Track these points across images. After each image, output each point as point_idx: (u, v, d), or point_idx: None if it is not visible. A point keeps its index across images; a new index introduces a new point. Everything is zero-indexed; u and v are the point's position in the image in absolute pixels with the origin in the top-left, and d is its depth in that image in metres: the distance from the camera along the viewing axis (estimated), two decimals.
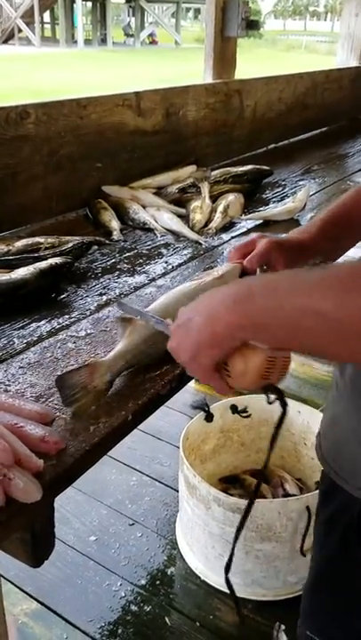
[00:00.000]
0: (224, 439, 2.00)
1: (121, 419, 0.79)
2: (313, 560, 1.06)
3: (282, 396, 0.71)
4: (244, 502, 1.58)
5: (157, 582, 1.80)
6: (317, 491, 1.62)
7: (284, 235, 1.13)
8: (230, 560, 0.89)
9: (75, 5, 24.42)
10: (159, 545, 1.93)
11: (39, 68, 15.19)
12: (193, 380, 2.51)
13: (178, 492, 1.89)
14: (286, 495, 1.81)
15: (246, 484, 1.93)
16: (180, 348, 0.71)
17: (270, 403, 0.71)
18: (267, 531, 1.59)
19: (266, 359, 0.67)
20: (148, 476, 2.17)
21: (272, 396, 0.71)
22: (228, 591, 1.59)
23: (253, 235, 1.06)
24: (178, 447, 1.79)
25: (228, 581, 0.92)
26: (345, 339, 0.57)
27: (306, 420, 1.93)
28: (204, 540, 1.73)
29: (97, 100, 1.67)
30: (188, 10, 31.91)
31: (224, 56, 2.15)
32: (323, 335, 0.58)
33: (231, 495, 1.80)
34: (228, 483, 1.97)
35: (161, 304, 1.00)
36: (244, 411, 1.92)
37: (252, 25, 2.11)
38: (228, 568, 0.90)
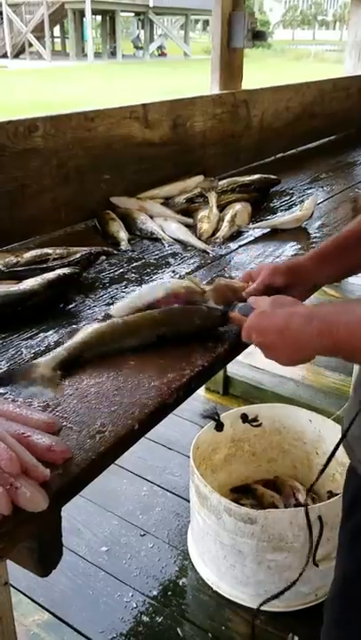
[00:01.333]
0: (235, 449, 2.00)
1: (127, 428, 0.79)
2: (338, 568, 1.05)
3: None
4: (255, 513, 1.57)
5: (169, 593, 1.80)
6: (330, 500, 1.62)
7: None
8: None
9: (84, 19, 24.79)
10: (171, 555, 1.92)
11: (49, 82, 15.40)
12: (203, 389, 2.50)
13: (189, 502, 1.88)
14: (298, 505, 1.79)
15: (258, 493, 1.92)
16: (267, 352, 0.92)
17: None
18: (278, 541, 1.58)
19: None
20: (158, 486, 2.17)
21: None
22: (240, 602, 1.58)
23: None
24: (189, 457, 1.79)
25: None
26: None
27: (318, 429, 1.92)
28: (215, 551, 1.72)
29: (104, 112, 1.68)
30: (196, 22, 32.23)
31: (231, 67, 2.16)
32: None
33: (243, 505, 1.80)
34: (240, 493, 1.96)
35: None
36: (255, 420, 1.91)
37: (258, 36, 2.13)
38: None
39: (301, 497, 1.83)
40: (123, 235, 1.61)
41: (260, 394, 2.72)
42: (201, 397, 2.67)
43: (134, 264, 1.46)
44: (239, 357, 1.19)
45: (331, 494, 1.77)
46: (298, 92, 2.60)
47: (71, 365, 0.94)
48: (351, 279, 3.09)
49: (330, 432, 1.86)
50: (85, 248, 1.42)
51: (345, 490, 1.03)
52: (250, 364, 2.87)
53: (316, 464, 1.95)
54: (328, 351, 0.83)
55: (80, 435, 0.77)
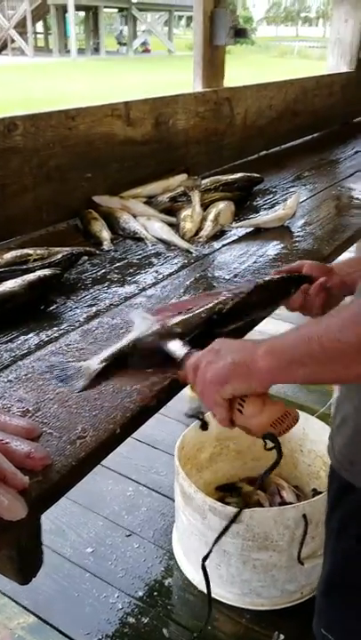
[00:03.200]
0: (220, 447, 2.00)
1: (109, 432, 0.78)
2: (325, 561, 1.06)
3: (279, 446, 0.79)
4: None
5: (155, 593, 1.79)
6: (314, 498, 1.62)
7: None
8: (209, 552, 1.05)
9: (67, 15, 24.57)
10: (156, 556, 1.91)
11: (32, 78, 15.25)
12: (188, 388, 2.50)
13: (174, 501, 1.88)
14: (283, 503, 1.80)
15: (243, 491, 1.93)
16: (206, 369, 0.80)
17: (267, 449, 0.79)
18: (263, 540, 1.58)
19: (283, 413, 0.77)
20: (144, 485, 2.16)
21: (270, 444, 0.78)
22: (226, 601, 1.60)
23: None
24: (174, 456, 1.78)
25: (204, 569, 1.07)
26: None
27: (302, 427, 1.93)
28: (200, 551, 1.71)
29: (85, 110, 1.67)
30: (180, 18, 32.13)
31: (213, 64, 2.15)
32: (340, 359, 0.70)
33: (228, 504, 1.80)
34: (225, 491, 1.96)
35: None
36: None
37: (240, 33, 2.12)
38: (205, 558, 1.04)
39: (286, 494, 1.83)
40: (105, 234, 1.60)
41: None
42: (186, 396, 2.66)
43: (117, 264, 1.45)
44: None
45: (315, 492, 1.77)
46: (281, 90, 2.60)
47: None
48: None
49: (314, 430, 1.87)
50: (67, 248, 1.40)
51: (329, 485, 1.04)
52: None
53: (301, 462, 1.96)
54: (301, 365, 0.74)
55: (60, 440, 0.76)
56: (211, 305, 1.03)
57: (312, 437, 1.88)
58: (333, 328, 0.70)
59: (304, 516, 1.55)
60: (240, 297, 1.05)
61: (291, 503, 1.76)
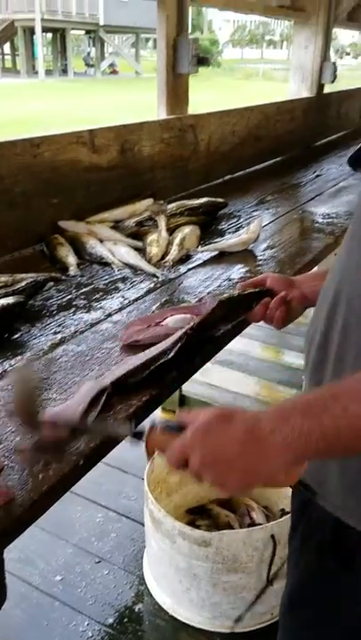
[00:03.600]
0: None
1: (72, 464, 0.78)
2: (287, 580, 1.07)
3: (310, 487, 0.84)
4: (209, 535, 1.57)
5: (125, 620, 1.77)
6: (282, 518, 1.64)
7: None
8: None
9: (34, 37, 24.68)
10: (127, 582, 1.90)
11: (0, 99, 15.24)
12: (159, 409, 2.50)
13: (145, 526, 1.87)
14: (253, 524, 1.81)
15: (213, 514, 1.93)
16: (215, 484, 0.72)
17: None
18: (233, 562, 1.59)
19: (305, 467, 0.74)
20: (114, 511, 2.15)
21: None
22: (197, 625, 1.58)
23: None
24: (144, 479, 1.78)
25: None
26: None
27: None
28: (171, 575, 1.71)
29: (50, 138, 1.68)
30: (147, 40, 32.60)
31: (177, 92, 2.20)
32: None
33: (199, 526, 1.80)
34: (196, 514, 1.96)
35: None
36: None
37: (202, 61, 2.17)
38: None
39: (256, 515, 1.85)
40: (71, 259, 1.60)
41: None
42: (158, 418, 2.66)
43: (83, 290, 1.45)
44: (195, 375, 1.20)
45: (283, 512, 1.79)
46: (243, 117, 2.66)
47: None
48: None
49: None
50: (32, 275, 1.40)
51: (293, 505, 1.05)
52: (205, 381, 2.89)
53: None
54: (316, 452, 0.71)
55: (23, 474, 0.76)
56: (158, 351, 1.04)
57: None
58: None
59: (272, 536, 1.56)
60: (204, 316, 1.09)
61: (260, 524, 1.77)
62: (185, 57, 2.11)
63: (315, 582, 0.98)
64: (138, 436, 0.77)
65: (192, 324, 1.08)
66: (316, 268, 1.82)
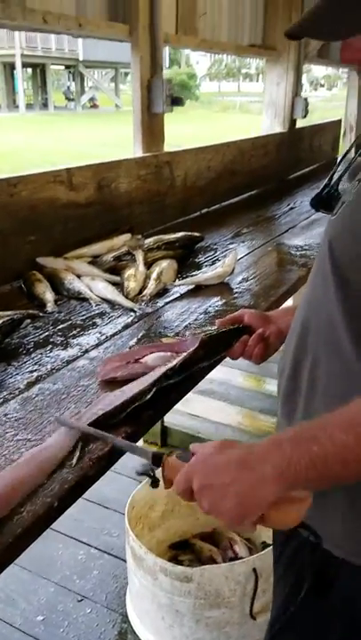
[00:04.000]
0: (172, 504, 1.99)
1: (46, 506, 0.78)
2: (273, 605, 1.07)
3: (312, 529, 0.77)
4: (190, 571, 1.56)
5: None
6: (264, 551, 1.64)
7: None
8: None
9: (15, 71, 25.10)
10: (109, 620, 1.87)
11: None
12: (141, 441, 2.48)
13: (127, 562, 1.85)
14: (236, 557, 1.80)
15: (196, 548, 1.92)
16: (211, 511, 0.74)
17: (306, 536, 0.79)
18: (215, 597, 1.57)
19: (309, 504, 0.74)
20: (96, 548, 2.12)
21: (304, 531, 0.77)
22: None
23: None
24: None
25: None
26: None
27: None
28: (153, 612, 1.69)
29: (27, 178, 1.71)
30: (126, 74, 33.32)
31: (152, 131, 2.26)
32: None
33: (181, 561, 1.79)
34: (178, 548, 1.95)
35: None
36: None
37: (176, 101, 2.24)
38: None
39: (238, 549, 1.84)
40: (49, 296, 1.61)
41: (198, 442, 2.73)
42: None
43: (60, 326, 1.46)
44: (176, 405, 1.21)
45: (265, 545, 1.79)
46: (218, 152, 2.74)
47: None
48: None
49: None
50: (8, 312, 1.41)
51: (274, 537, 1.06)
52: (187, 411, 2.89)
53: None
54: (307, 481, 0.72)
55: None
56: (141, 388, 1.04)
57: None
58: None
59: (254, 569, 1.56)
60: (186, 356, 1.10)
61: (243, 557, 1.76)
62: (159, 97, 2.18)
63: (296, 609, 0.98)
64: (156, 461, 0.82)
65: (174, 363, 1.09)
66: (290, 301, 1.86)
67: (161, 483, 0.85)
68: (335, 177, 1.27)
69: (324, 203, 1.20)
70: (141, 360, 1.18)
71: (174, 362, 1.09)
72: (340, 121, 4.90)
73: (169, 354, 1.17)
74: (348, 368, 0.82)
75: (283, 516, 0.73)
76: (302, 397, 0.91)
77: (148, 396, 1.02)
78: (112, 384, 1.12)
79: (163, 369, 1.07)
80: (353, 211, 0.83)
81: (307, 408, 0.90)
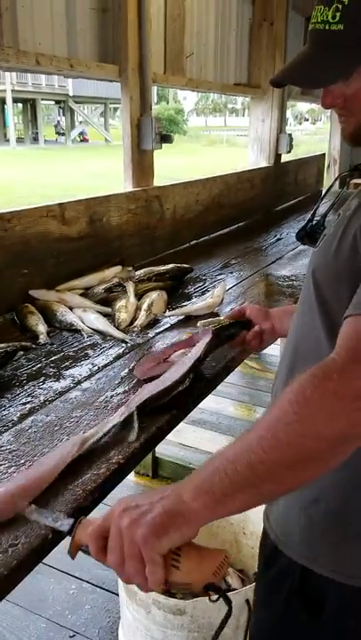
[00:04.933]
0: None
1: (41, 538, 0.79)
2: (254, 625, 1.06)
3: (226, 594, 0.70)
4: (183, 604, 1.55)
5: None
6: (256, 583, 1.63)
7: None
8: None
9: (5, 106, 25.55)
10: None
11: None
12: (132, 473, 2.46)
13: (120, 596, 1.83)
14: (228, 589, 1.78)
15: None
16: (134, 528, 0.68)
17: (214, 601, 0.71)
18: (209, 630, 1.56)
19: (223, 558, 0.70)
20: (88, 582, 2.09)
21: (214, 595, 0.70)
22: None
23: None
24: None
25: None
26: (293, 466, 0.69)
27: None
28: None
29: (20, 213, 1.76)
30: (115, 109, 34.00)
31: (142, 167, 2.32)
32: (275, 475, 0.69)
33: (174, 594, 1.77)
34: None
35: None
36: None
37: (165, 138, 2.31)
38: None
39: (231, 580, 1.82)
40: (41, 328, 1.63)
41: (189, 473, 2.72)
42: (130, 482, 2.64)
43: (53, 357, 1.48)
44: (168, 436, 1.22)
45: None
46: (206, 186, 2.81)
47: None
48: (270, 350, 3.22)
49: (254, 511, 1.89)
50: (1, 344, 1.43)
51: (260, 554, 1.07)
52: (178, 442, 2.89)
53: (244, 544, 1.97)
54: (209, 509, 0.69)
55: None
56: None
57: (253, 518, 1.91)
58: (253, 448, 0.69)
59: (247, 601, 1.55)
60: (205, 348, 1.26)
61: (236, 589, 1.75)
62: (149, 135, 2.25)
63: (286, 632, 0.98)
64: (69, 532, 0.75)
65: (198, 355, 1.24)
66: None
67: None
68: (319, 211, 1.32)
69: (309, 236, 1.26)
70: (168, 359, 1.34)
71: (198, 353, 1.25)
72: (323, 154, 5.04)
73: (185, 349, 1.33)
74: None
75: (195, 563, 0.68)
76: None
77: (187, 383, 1.20)
78: (148, 380, 1.26)
79: (191, 360, 1.24)
80: (329, 240, 0.88)
81: None
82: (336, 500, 0.89)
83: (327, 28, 0.81)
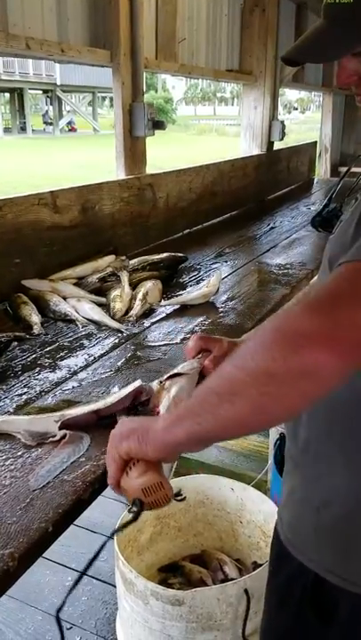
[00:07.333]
0: (160, 526, 1.97)
1: (41, 532, 0.77)
2: (263, 631, 1.05)
3: (138, 514, 0.77)
4: (182, 594, 1.54)
5: None
6: (255, 571, 1.62)
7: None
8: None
9: None
10: None
11: None
12: None
13: (116, 588, 1.82)
14: (226, 579, 1.78)
15: (186, 571, 1.89)
16: (116, 429, 0.80)
17: (129, 511, 0.78)
18: (207, 620, 1.55)
19: (157, 482, 0.76)
20: (84, 574, 2.07)
21: (133, 508, 0.77)
22: None
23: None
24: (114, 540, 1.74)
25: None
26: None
27: (240, 498, 1.94)
28: (144, 637, 1.66)
29: (12, 200, 1.72)
30: (103, 99, 33.67)
31: (134, 154, 2.29)
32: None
33: (171, 584, 1.76)
34: (168, 571, 1.92)
35: None
36: (179, 494, 1.90)
37: (157, 125, 2.28)
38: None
39: (229, 570, 1.82)
40: (35, 318, 1.61)
41: (185, 463, 2.71)
42: None
43: (47, 348, 1.46)
44: None
45: (256, 565, 1.77)
46: (199, 174, 2.78)
47: None
48: None
49: (251, 499, 1.89)
50: None
51: (270, 556, 1.05)
52: None
53: (241, 533, 1.96)
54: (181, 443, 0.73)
55: None
56: None
57: (250, 507, 1.90)
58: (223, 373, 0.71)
59: (246, 590, 1.54)
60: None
61: (234, 578, 1.74)
62: (141, 121, 2.21)
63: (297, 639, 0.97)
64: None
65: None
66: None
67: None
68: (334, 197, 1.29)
69: (324, 222, 1.22)
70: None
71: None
72: (315, 143, 5.02)
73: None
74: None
75: (138, 474, 0.76)
76: (304, 417, 0.92)
77: None
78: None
79: None
80: (345, 226, 0.85)
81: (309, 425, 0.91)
82: (349, 503, 0.87)
83: (337, 1, 0.79)
